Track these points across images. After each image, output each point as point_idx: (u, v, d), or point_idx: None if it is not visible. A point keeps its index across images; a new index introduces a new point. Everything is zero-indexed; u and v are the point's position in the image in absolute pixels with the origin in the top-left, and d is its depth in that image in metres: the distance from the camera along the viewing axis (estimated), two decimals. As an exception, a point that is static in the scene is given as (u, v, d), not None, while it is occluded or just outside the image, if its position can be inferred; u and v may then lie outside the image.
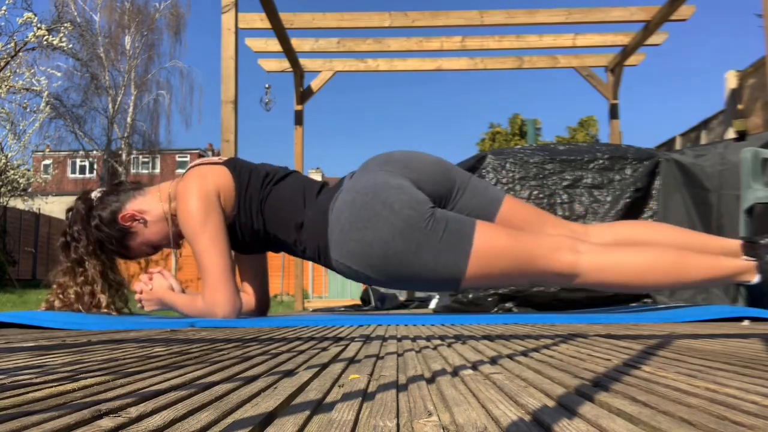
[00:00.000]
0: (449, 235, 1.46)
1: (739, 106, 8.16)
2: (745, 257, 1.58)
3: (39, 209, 11.70)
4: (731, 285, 1.72)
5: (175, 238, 1.79)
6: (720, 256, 1.58)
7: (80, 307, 1.77)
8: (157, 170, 28.18)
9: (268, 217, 1.67)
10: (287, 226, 1.65)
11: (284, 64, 5.31)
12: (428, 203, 1.51)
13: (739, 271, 1.54)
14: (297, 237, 1.64)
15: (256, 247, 1.76)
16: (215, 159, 1.77)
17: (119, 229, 1.76)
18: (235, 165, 1.74)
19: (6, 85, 7.79)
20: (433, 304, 4.14)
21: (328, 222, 1.55)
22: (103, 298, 1.79)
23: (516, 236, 1.51)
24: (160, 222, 1.76)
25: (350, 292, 9.29)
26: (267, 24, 4.13)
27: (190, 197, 1.64)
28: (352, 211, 1.50)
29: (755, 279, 1.53)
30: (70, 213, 1.83)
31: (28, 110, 8.59)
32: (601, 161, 2.88)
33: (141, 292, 1.79)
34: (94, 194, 1.82)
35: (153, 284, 1.78)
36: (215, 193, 1.65)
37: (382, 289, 5.68)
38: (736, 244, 1.66)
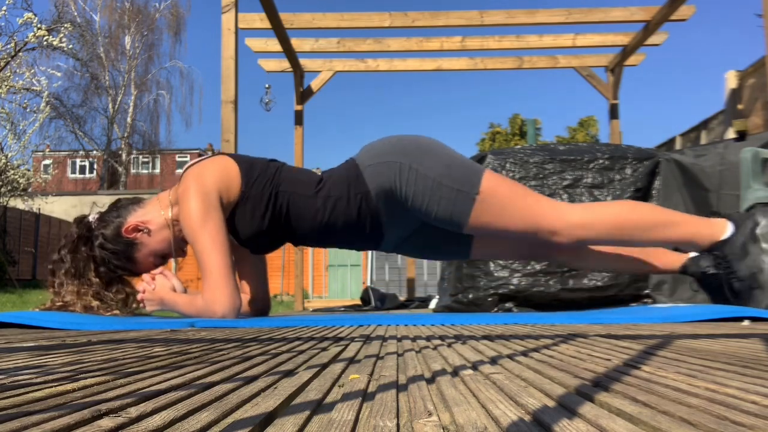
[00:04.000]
0: (465, 164, 1.70)
1: (739, 106, 8.16)
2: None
3: (39, 209, 11.68)
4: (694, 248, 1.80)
5: (180, 245, 1.78)
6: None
7: (75, 309, 1.76)
8: (157, 170, 28.07)
9: (284, 179, 1.70)
10: (305, 183, 1.71)
11: (284, 64, 5.31)
12: None
13: (714, 230, 1.72)
14: (318, 188, 1.69)
15: (264, 228, 1.70)
16: (209, 156, 1.79)
17: (124, 243, 1.75)
18: (231, 155, 1.77)
19: (6, 85, 7.78)
20: (433, 304, 4.14)
21: (356, 160, 1.72)
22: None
23: (518, 184, 1.73)
24: (163, 230, 1.76)
25: (350, 292, 9.28)
26: (267, 24, 4.12)
27: (190, 198, 1.64)
28: (383, 139, 1.76)
29: (728, 232, 1.70)
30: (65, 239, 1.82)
31: (28, 110, 8.58)
32: (601, 161, 2.88)
33: (143, 292, 1.79)
34: (92, 217, 1.81)
35: (155, 284, 1.78)
36: (215, 190, 1.64)
37: (382, 289, 5.67)
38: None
